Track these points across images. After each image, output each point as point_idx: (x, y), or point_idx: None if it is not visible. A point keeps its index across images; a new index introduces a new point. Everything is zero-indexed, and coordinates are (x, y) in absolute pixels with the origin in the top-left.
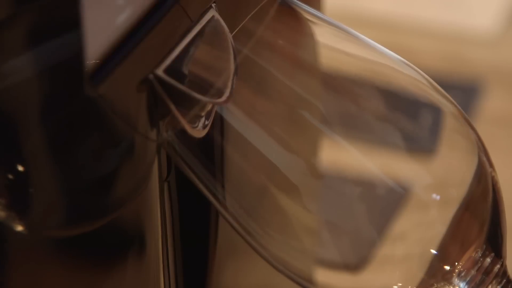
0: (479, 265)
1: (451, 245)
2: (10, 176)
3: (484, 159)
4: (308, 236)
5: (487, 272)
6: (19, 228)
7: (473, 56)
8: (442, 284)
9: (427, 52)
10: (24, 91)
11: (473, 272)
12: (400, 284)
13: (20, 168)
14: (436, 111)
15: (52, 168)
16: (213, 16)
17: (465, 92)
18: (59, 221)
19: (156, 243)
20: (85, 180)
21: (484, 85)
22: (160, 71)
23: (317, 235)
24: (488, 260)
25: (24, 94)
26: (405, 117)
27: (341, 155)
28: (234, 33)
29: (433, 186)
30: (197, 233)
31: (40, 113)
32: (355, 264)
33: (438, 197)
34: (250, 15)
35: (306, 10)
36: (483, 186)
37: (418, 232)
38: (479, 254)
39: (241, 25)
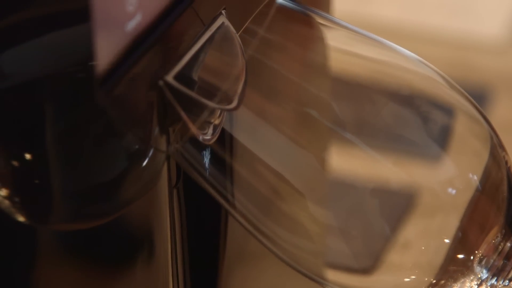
0: (499, 250)
1: (469, 232)
2: (23, 174)
3: (499, 153)
4: (319, 237)
5: (508, 256)
6: (30, 223)
7: (481, 63)
8: (463, 272)
9: (435, 59)
10: (38, 91)
11: (493, 258)
12: (414, 277)
13: (32, 167)
14: (449, 110)
15: (60, 168)
16: (223, 23)
17: (473, 99)
18: (66, 217)
19: (165, 249)
20: (92, 184)
21: (491, 92)
22: (170, 78)
23: (328, 237)
24: (508, 244)
25: (38, 94)
26: (420, 115)
27: (352, 155)
28: (238, 34)
29: (449, 179)
30: (206, 239)
31: (49, 117)
32: (366, 265)
33: (454, 192)
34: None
35: (317, 14)
36: (497, 173)
37: (435, 225)
38: (499, 239)
39: (244, 27)
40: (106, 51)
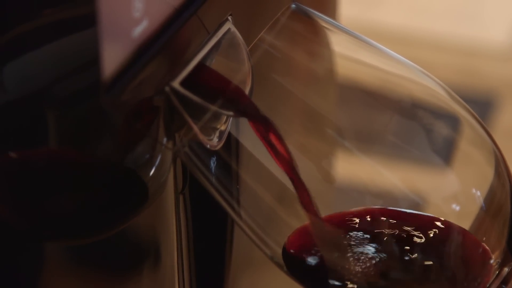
0: (497, 273)
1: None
2: (26, 185)
3: (503, 168)
4: None
5: (506, 281)
6: (35, 237)
7: (487, 70)
8: None
9: (441, 66)
10: (44, 98)
11: (491, 281)
12: None
13: (36, 176)
14: (453, 121)
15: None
16: (229, 29)
17: (479, 105)
18: (75, 229)
19: (171, 255)
20: (99, 193)
21: (498, 99)
22: (176, 83)
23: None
24: (506, 269)
25: (44, 102)
26: (422, 127)
27: (357, 167)
28: (250, 46)
29: (452, 196)
30: (212, 245)
31: (57, 119)
32: None
33: (457, 208)
34: (265, 28)
35: (322, 19)
36: (501, 196)
37: None
38: (498, 263)
39: (257, 38)
40: (112, 57)
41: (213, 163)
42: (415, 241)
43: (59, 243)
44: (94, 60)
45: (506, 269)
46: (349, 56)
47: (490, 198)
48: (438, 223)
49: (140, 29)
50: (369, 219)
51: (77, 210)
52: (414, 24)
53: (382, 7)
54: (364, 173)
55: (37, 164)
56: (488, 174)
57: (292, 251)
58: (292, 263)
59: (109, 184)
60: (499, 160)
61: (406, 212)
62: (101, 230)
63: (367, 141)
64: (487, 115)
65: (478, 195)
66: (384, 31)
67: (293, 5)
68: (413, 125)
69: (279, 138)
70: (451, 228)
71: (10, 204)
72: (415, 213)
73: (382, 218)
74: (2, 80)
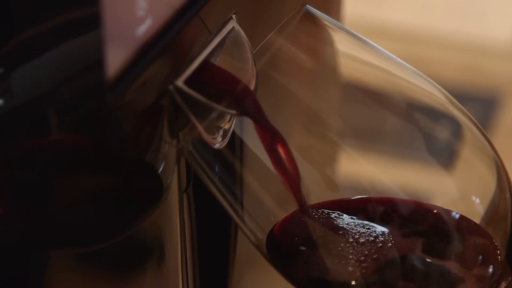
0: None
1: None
2: (32, 193)
3: (504, 179)
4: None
5: None
6: (41, 247)
7: (492, 68)
8: None
9: (446, 63)
10: (50, 100)
11: None
12: None
13: (40, 182)
14: (453, 126)
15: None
16: (233, 27)
17: (483, 103)
18: (82, 238)
19: (175, 254)
20: (103, 196)
21: (502, 96)
22: (180, 82)
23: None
24: (504, 284)
25: (48, 104)
26: (422, 130)
27: (357, 171)
28: (259, 47)
29: (451, 203)
30: (216, 244)
31: (60, 120)
32: None
33: (457, 216)
34: (275, 30)
35: (331, 22)
36: (501, 206)
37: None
38: (496, 277)
39: (265, 39)
40: (116, 56)
41: (216, 162)
42: (414, 236)
43: (71, 251)
44: (97, 60)
45: (503, 284)
46: (356, 59)
47: (491, 209)
48: (439, 216)
49: (144, 28)
50: (361, 209)
51: (83, 215)
52: (418, 22)
53: (386, 5)
54: (363, 177)
55: (45, 169)
56: (488, 181)
57: (276, 240)
58: (275, 254)
59: (116, 183)
60: (499, 167)
61: (405, 201)
62: (116, 233)
63: (367, 145)
64: (491, 113)
65: (478, 202)
66: (388, 29)
67: (304, 9)
68: (414, 129)
69: (283, 145)
70: (450, 220)
71: (26, 212)
72: (414, 202)
73: (377, 208)
74: (9, 83)
